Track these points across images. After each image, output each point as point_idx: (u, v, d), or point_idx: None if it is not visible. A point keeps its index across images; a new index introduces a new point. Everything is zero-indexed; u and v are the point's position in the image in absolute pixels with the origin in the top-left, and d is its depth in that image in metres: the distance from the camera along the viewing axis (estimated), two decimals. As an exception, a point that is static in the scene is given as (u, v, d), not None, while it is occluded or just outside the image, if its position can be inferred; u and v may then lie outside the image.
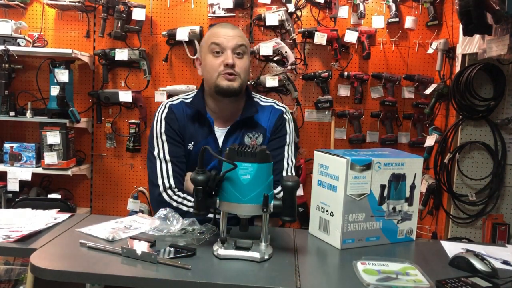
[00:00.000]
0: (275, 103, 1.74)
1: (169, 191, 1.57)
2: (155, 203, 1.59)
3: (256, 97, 1.74)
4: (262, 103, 1.72)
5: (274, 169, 1.55)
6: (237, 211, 1.24)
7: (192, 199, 1.48)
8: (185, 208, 1.53)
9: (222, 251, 1.23)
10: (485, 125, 2.65)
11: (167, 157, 1.60)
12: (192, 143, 1.63)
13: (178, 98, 1.71)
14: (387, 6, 3.15)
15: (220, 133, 1.66)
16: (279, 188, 1.53)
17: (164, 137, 1.62)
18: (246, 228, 1.28)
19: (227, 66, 1.55)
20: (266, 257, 1.22)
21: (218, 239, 1.27)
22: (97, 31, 3.22)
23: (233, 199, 1.22)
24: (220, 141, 1.65)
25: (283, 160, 1.65)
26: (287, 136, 1.68)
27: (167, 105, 1.67)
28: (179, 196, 1.56)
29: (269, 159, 1.24)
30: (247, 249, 1.25)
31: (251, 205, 1.21)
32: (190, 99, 1.69)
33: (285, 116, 1.70)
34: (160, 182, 1.57)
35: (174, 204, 1.54)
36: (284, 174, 1.63)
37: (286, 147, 1.67)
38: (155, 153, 1.62)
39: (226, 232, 1.28)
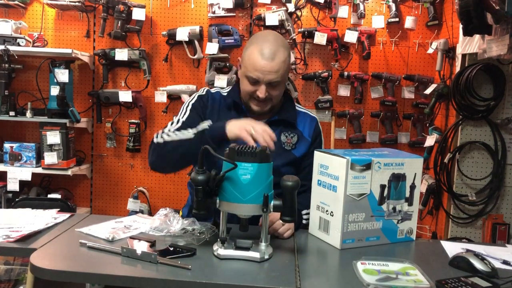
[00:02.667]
0: (308, 111, 1.84)
1: (159, 135, 1.59)
2: (149, 149, 1.63)
3: (295, 104, 1.83)
4: (298, 109, 1.82)
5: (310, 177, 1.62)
6: (236, 211, 1.24)
7: (182, 130, 1.54)
8: (166, 137, 1.55)
9: (222, 251, 1.23)
10: (485, 125, 2.65)
11: (181, 120, 1.66)
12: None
13: (216, 88, 1.81)
14: (387, 6, 3.15)
15: None
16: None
17: (189, 107, 1.72)
18: (246, 228, 1.28)
19: (259, 98, 1.63)
20: (266, 257, 1.22)
21: (218, 239, 1.27)
22: (97, 31, 3.22)
23: (233, 199, 1.22)
24: None
25: None
26: (322, 146, 1.81)
27: (206, 90, 1.78)
28: (166, 133, 1.58)
29: (269, 159, 1.24)
30: (247, 249, 1.25)
31: (251, 205, 1.21)
32: (227, 93, 1.78)
33: (319, 125, 1.82)
34: (154, 135, 1.62)
35: (159, 140, 1.56)
36: None
37: None
38: (174, 118, 1.69)
39: (226, 232, 1.28)
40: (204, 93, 1.77)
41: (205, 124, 1.48)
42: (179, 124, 1.65)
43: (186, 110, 1.72)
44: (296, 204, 1.22)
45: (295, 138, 1.74)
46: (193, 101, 1.74)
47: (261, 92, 1.60)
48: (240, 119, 1.44)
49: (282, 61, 1.61)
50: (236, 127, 1.40)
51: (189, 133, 1.50)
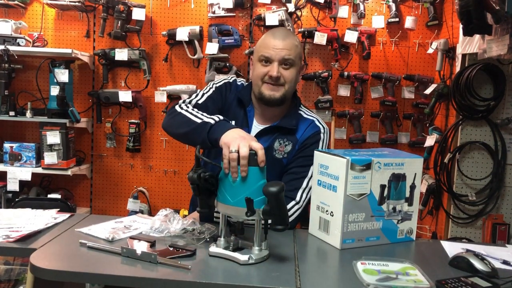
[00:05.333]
0: (317, 119, 1.73)
1: (183, 104, 1.60)
2: (168, 111, 1.64)
3: (301, 110, 1.74)
4: (305, 116, 1.73)
5: (292, 185, 1.59)
6: (227, 212, 1.24)
7: (199, 113, 1.52)
8: (184, 111, 1.54)
9: (213, 249, 1.25)
10: (485, 125, 2.65)
11: (206, 94, 1.68)
12: (233, 122, 1.62)
13: (242, 81, 1.78)
14: (387, 6, 3.15)
15: (256, 128, 1.68)
16: (291, 204, 1.57)
17: (213, 89, 1.71)
18: (241, 231, 1.27)
19: (271, 78, 1.60)
20: (251, 261, 1.20)
21: (218, 238, 1.27)
22: (97, 31, 3.22)
23: (224, 200, 1.23)
24: (253, 135, 1.63)
25: (304, 179, 1.61)
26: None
27: (234, 79, 1.76)
28: (188, 107, 1.57)
29: (258, 163, 1.22)
30: (241, 249, 1.25)
31: (239, 208, 1.20)
32: (245, 88, 1.74)
33: (320, 135, 1.67)
34: (180, 101, 1.64)
35: (178, 109, 1.57)
36: (299, 193, 1.59)
37: (312, 167, 1.57)
38: (199, 91, 1.70)
39: (232, 232, 1.28)
40: (231, 81, 1.75)
41: (215, 118, 1.44)
42: (203, 98, 1.66)
43: (209, 90, 1.70)
44: (286, 210, 1.19)
45: (289, 146, 1.65)
46: (219, 84, 1.73)
47: (274, 69, 1.58)
48: (243, 132, 1.34)
49: (294, 43, 1.63)
50: (228, 137, 1.30)
51: (198, 118, 1.48)
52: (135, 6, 3.10)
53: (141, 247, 1.24)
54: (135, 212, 3.12)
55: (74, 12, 3.25)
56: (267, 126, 1.67)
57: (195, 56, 3.17)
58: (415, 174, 1.46)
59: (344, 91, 3.22)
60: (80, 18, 3.26)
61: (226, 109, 1.68)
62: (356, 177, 1.35)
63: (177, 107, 1.59)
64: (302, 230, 1.55)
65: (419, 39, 3.18)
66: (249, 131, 1.66)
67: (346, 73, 3.17)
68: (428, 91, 2.95)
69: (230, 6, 3.09)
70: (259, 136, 1.64)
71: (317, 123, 1.71)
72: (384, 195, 1.41)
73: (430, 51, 3.08)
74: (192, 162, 3.13)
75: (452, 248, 1.41)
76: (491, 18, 2.06)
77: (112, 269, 1.15)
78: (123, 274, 1.13)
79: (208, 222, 1.45)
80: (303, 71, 1.74)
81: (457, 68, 2.74)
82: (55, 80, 2.99)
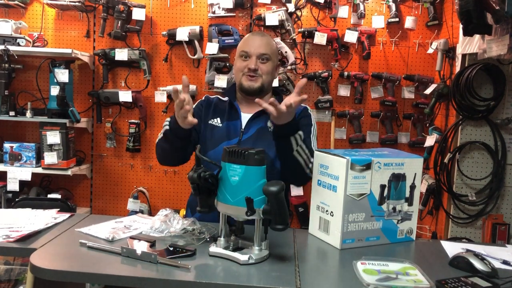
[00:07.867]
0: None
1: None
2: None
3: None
4: None
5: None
6: (227, 212, 1.24)
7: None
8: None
9: (213, 249, 1.25)
10: (485, 125, 2.65)
11: None
12: (218, 119, 1.85)
13: (216, 95, 1.97)
14: (387, 6, 3.15)
15: (245, 118, 1.83)
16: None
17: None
18: (241, 231, 1.27)
19: (250, 70, 1.78)
20: (251, 261, 1.20)
21: (218, 238, 1.27)
22: (97, 31, 3.22)
23: (224, 199, 1.23)
24: (244, 124, 1.81)
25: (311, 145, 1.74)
26: (312, 128, 1.81)
27: (205, 96, 1.96)
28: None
29: (259, 162, 1.21)
30: (241, 249, 1.25)
31: (239, 207, 1.20)
32: (230, 88, 1.96)
33: (309, 112, 1.86)
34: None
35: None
36: (313, 143, 1.73)
37: (312, 137, 1.79)
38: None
39: (233, 232, 1.27)
40: (204, 98, 1.95)
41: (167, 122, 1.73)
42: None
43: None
44: (286, 210, 1.18)
45: None
46: (194, 105, 1.88)
47: (252, 62, 1.76)
48: None
49: (270, 42, 1.83)
50: None
51: (165, 126, 1.74)
52: (135, 6, 3.10)
53: (141, 247, 1.24)
54: (135, 212, 3.12)
55: (74, 12, 3.25)
56: (254, 112, 1.81)
57: (195, 56, 3.17)
58: (415, 174, 1.46)
59: (344, 91, 3.22)
60: (80, 18, 3.26)
61: (210, 117, 1.86)
62: (356, 177, 1.35)
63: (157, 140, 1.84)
64: (302, 230, 1.55)
65: (419, 39, 3.18)
66: (240, 122, 1.81)
67: (346, 73, 3.17)
68: (428, 91, 2.95)
69: (230, 6, 3.10)
70: (250, 123, 1.80)
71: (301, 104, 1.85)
72: (384, 195, 1.41)
73: (430, 51, 3.08)
74: (192, 162, 3.12)
75: (452, 248, 1.41)
76: (491, 18, 2.06)
77: (112, 269, 1.15)
78: (123, 274, 1.13)
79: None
80: (279, 70, 2.05)
81: (457, 68, 2.74)
82: (55, 80, 2.99)
